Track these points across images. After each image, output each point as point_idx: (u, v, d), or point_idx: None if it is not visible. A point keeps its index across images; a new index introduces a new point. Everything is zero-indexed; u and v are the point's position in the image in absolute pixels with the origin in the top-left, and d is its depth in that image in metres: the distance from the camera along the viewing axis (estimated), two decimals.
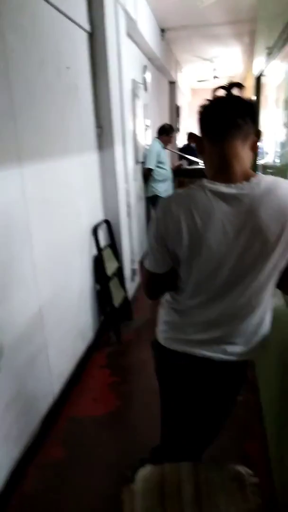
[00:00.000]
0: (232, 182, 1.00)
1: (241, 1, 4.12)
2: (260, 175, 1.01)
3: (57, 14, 2.08)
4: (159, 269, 1.12)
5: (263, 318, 1.13)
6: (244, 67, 8.06)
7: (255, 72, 3.63)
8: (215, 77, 8.07)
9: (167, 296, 1.24)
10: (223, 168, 1.02)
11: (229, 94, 1.04)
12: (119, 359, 2.73)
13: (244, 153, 1.03)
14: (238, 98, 1.03)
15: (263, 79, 3.45)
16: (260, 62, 3.26)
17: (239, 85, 1.05)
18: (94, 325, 2.84)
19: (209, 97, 1.07)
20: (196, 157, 6.86)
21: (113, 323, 2.95)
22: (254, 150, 1.06)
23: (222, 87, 1.06)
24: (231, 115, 1.00)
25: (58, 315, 2.17)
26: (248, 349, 1.15)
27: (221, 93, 1.05)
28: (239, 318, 1.10)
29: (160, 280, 1.15)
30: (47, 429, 2.01)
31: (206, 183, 1.02)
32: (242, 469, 1.19)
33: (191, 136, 7.63)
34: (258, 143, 1.06)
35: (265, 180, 1.00)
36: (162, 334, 1.24)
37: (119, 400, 2.28)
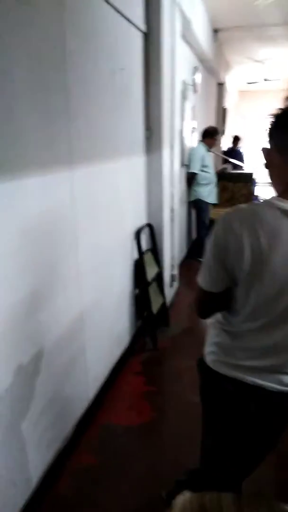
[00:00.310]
0: None
1: None
2: None
3: (115, 14, 2.05)
4: (214, 288, 1.04)
5: None
6: None
7: None
8: (265, 79, 7.82)
9: (218, 316, 1.16)
10: None
11: None
12: (155, 366, 2.67)
13: None
14: None
15: None
16: None
17: None
18: (131, 329, 2.80)
19: (278, 105, 0.98)
20: (241, 161, 6.69)
21: (150, 329, 2.90)
22: None
23: None
24: None
25: (98, 318, 2.15)
26: None
27: None
28: None
29: (214, 299, 1.08)
30: (81, 435, 1.98)
31: (275, 200, 0.93)
32: None
33: (236, 139, 7.46)
34: None
35: None
36: (210, 356, 1.16)
37: (154, 411, 2.22)
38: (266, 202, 0.95)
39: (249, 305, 1.00)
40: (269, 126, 0.99)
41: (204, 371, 1.18)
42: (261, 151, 1.02)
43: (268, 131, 0.99)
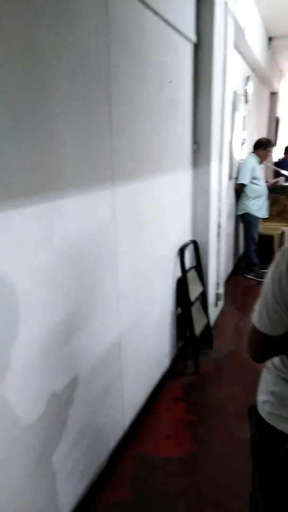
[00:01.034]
0: None
1: None
2: None
3: (164, 25, 1.97)
4: (273, 331, 0.90)
5: None
6: None
7: None
8: None
9: (276, 360, 1.01)
10: None
11: None
12: (196, 393, 2.51)
13: None
14: None
15: None
16: None
17: None
18: (172, 351, 2.67)
19: None
20: None
21: (192, 351, 2.75)
22: None
23: None
24: None
25: (137, 341, 2.05)
26: None
27: None
28: None
29: (271, 343, 0.94)
30: (115, 465, 1.88)
31: None
32: None
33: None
34: None
35: None
36: (265, 406, 1.01)
37: (195, 444, 2.07)
38: None
39: None
40: None
41: (257, 422, 1.03)
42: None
43: None
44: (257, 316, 0.93)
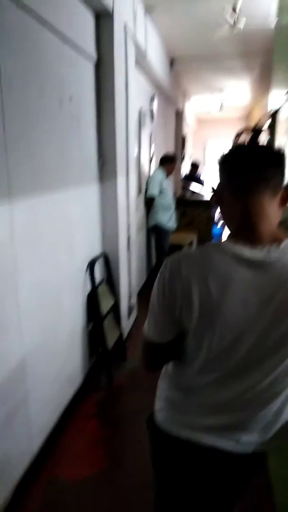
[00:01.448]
0: (258, 244, 0.84)
1: (255, 34, 4.09)
2: None
3: (62, 43, 1.97)
4: (162, 338, 0.94)
5: (287, 401, 0.94)
6: (252, 99, 8.10)
7: (270, 107, 3.54)
8: (221, 107, 8.10)
9: (168, 367, 1.04)
10: (246, 227, 0.86)
11: (254, 141, 0.89)
12: (110, 407, 2.50)
13: (272, 210, 0.87)
14: (267, 146, 0.88)
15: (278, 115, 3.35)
16: (277, 97, 3.17)
17: (258, 131, 0.90)
18: (84, 368, 2.62)
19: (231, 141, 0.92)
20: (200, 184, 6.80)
21: (105, 365, 2.74)
22: (284, 206, 0.89)
23: (247, 132, 0.91)
24: (258, 165, 0.85)
25: (44, 362, 1.97)
26: (267, 439, 0.95)
27: (245, 138, 0.90)
28: (258, 403, 0.91)
29: (161, 350, 0.97)
30: (22, 498, 1.76)
31: (226, 244, 0.85)
32: None
33: (195, 165, 7.60)
34: None
35: None
36: (161, 413, 1.04)
37: (108, 460, 2.04)
38: (217, 246, 0.87)
39: (201, 357, 0.90)
40: (220, 165, 0.92)
41: (154, 431, 1.06)
42: (211, 189, 0.97)
43: (219, 170, 0.93)
44: (147, 325, 0.96)
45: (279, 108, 3.25)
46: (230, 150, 0.91)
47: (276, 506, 1.67)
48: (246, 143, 0.91)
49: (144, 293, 4.37)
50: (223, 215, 0.96)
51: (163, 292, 0.88)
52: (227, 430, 0.94)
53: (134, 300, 3.47)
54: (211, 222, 5.85)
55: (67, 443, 2.14)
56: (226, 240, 0.88)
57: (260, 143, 0.90)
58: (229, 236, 0.90)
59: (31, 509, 1.74)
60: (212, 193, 0.97)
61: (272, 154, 0.87)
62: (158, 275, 0.91)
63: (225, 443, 0.94)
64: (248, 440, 0.94)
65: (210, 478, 1.00)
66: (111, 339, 2.77)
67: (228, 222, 0.94)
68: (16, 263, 1.62)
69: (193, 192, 6.29)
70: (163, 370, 1.08)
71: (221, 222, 6.54)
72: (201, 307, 0.84)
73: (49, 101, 1.86)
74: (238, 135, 0.93)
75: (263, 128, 0.92)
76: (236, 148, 0.91)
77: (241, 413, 0.93)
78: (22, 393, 1.75)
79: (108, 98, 2.56)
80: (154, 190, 4.36)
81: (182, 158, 7.62)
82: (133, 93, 3.04)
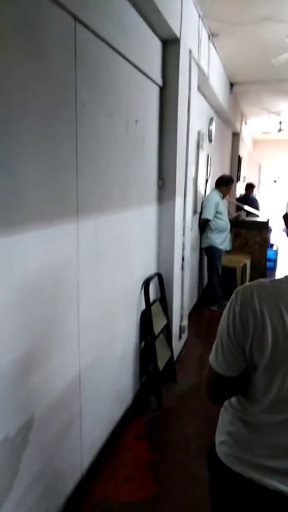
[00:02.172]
0: None
1: None
2: None
3: (131, 68, 2.06)
4: (229, 372, 0.90)
5: None
6: None
7: None
8: (280, 130, 7.95)
9: (233, 399, 1.00)
10: None
11: None
12: (159, 430, 2.45)
13: None
14: None
15: None
16: None
17: None
18: (134, 386, 2.61)
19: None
20: (256, 208, 6.66)
21: (155, 386, 2.70)
22: None
23: None
24: None
25: (98, 378, 1.99)
26: None
27: None
28: None
29: (228, 383, 0.93)
30: None
31: None
32: None
33: (250, 186, 7.47)
34: None
35: None
36: (223, 447, 0.99)
37: (157, 485, 1.99)
38: None
39: (271, 394, 0.85)
40: None
41: (214, 463, 1.02)
42: (283, 218, 0.93)
43: None
44: (213, 356, 0.93)
45: None
46: None
47: None
48: None
49: (194, 314, 4.31)
50: None
51: (233, 323, 0.85)
52: None
53: (185, 321, 3.42)
54: (266, 244, 5.67)
55: (115, 463, 2.12)
56: None
57: None
58: None
59: None
60: (285, 223, 0.93)
61: None
62: (228, 304, 0.88)
63: None
64: None
65: None
66: (162, 360, 2.74)
67: None
68: (79, 280, 1.68)
69: (248, 213, 6.16)
70: (226, 402, 1.04)
71: (277, 241, 6.33)
72: (275, 342, 0.80)
73: (116, 124, 1.94)
74: None
75: None
76: None
77: None
78: (77, 408, 1.77)
79: (171, 121, 2.61)
80: (209, 213, 4.33)
81: (238, 179, 7.55)
82: (194, 116, 3.09)
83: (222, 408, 1.06)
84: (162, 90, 2.57)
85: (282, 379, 0.82)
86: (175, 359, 3.07)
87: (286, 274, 0.86)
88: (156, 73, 2.43)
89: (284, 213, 0.94)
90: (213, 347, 0.94)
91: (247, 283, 0.89)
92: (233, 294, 0.88)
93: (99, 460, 2.06)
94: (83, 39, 1.55)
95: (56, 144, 1.43)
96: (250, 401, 0.92)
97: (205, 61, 3.31)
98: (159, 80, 2.49)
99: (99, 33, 1.64)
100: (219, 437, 1.03)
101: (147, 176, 2.47)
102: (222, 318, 0.90)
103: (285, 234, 1.10)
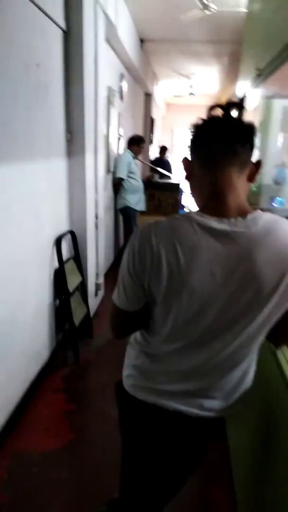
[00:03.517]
0: (225, 216, 0.85)
1: (225, 21, 4.12)
2: (258, 211, 0.87)
3: (31, 6, 1.90)
4: (131, 307, 0.95)
5: (247, 371, 0.99)
6: (220, 87, 8.17)
7: (238, 94, 3.59)
8: (191, 93, 8.12)
9: (137, 335, 1.06)
10: (214, 199, 0.88)
11: (227, 114, 0.90)
12: (76, 382, 2.51)
13: (240, 183, 0.88)
14: (238, 120, 0.88)
15: (245, 102, 3.40)
16: (243, 85, 3.22)
17: (240, 106, 0.90)
18: (51, 344, 2.61)
19: (201, 116, 0.92)
20: (168, 171, 6.84)
21: (71, 341, 2.74)
22: (252, 181, 0.91)
23: (220, 106, 0.90)
24: (228, 139, 0.85)
25: (9, 336, 1.94)
26: (228, 405, 1.00)
27: (218, 112, 0.90)
28: (221, 371, 0.95)
29: (130, 318, 0.98)
30: None
31: (194, 215, 0.86)
32: None
33: (163, 149, 7.61)
34: (258, 174, 0.92)
35: (263, 218, 0.85)
36: (129, 380, 1.06)
37: (74, 433, 2.06)
38: (186, 216, 0.87)
39: (167, 325, 0.92)
40: (190, 137, 0.93)
41: (122, 397, 1.08)
42: (182, 162, 0.96)
43: (189, 142, 0.93)
44: (116, 294, 0.97)
45: (244, 97, 3.32)
46: (201, 122, 0.90)
47: (233, 471, 1.76)
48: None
49: (111, 274, 4.38)
50: (193, 190, 0.96)
51: (133, 261, 0.88)
52: (191, 396, 0.98)
53: (101, 279, 3.47)
54: (178, 205, 5.91)
55: (33, 417, 2.14)
56: (195, 212, 0.89)
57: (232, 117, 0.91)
58: (198, 210, 0.91)
59: None
60: (183, 167, 0.97)
61: (242, 128, 0.87)
62: (128, 244, 0.91)
63: (190, 408, 0.98)
64: (211, 406, 0.99)
65: (174, 440, 1.04)
66: (78, 316, 2.77)
67: (197, 196, 0.94)
68: None
69: (161, 176, 6.30)
70: (132, 338, 1.10)
71: (188, 203, 6.63)
72: (170, 276, 0.85)
73: (15, 66, 1.79)
74: (211, 108, 0.92)
75: (235, 101, 0.93)
76: (208, 120, 0.90)
77: (204, 381, 0.97)
78: None
79: (77, 70, 2.50)
80: (121, 172, 4.34)
81: (150, 142, 7.61)
82: (103, 68, 2.99)
83: (128, 345, 1.12)
84: (67, 36, 2.42)
85: (176, 310, 0.88)
86: (91, 315, 3.12)
87: (183, 214, 0.91)
88: (58, 15, 2.27)
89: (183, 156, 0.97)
90: (116, 286, 0.98)
91: (145, 224, 0.92)
92: (132, 234, 0.91)
93: (15, 415, 2.05)
94: None
95: None
96: (151, 334, 0.99)
97: (112, 10, 3.18)
98: (63, 24, 2.34)
99: None
100: (125, 371, 1.09)
101: (53, 127, 2.36)
102: (123, 257, 0.93)
103: (184, 179, 1.14)
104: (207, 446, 1.12)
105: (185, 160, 0.95)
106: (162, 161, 7.31)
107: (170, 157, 8.61)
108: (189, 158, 0.93)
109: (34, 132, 2.06)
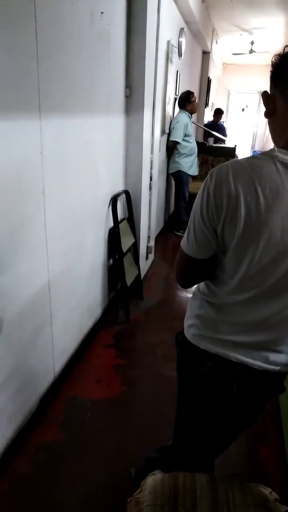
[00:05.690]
0: None
1: None
2: None
3: None
4: (201, 254, 0.91)
5: None
6: (285, 42, 7.53)
7: None
8: (251, 51, 7.57)
9: (201, 286, 1.04)
10: None
11: None
12: (126, 340, 2.58)
13: None
14: None
15: None
16: None
17: None
18: (103, 301, 2.67)
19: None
20: (223, 135, 6.54)
21: (123, 301, 2.79)
22: None
23: None
24: None
25: (67, 289, 2.00)
26: None
27: None
28: None
29: (199, 267, 0.95)
30: (46, 409, 1.87)
31: (278, 152, 0.80)
32: (267, 492, 1.03)
33: (219, 112, 7.25)
34: None
35: None
36: (191, 329, 1.04)
37: (124, 385, 2.14)
38: (267, 154, 0.81)
39: (238, 274, 0.87)
40: (273, 68, 0.84)
41: (183, 346, 1.07)
42: (261, 96, 0.88)
43: (272, 74, 0.85)
44: (185, 240, 0.94)
45: None
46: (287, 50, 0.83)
47: (284, 430, 1.75)
48: None
49: (161, 239, 4.36)
50: (274, 128, 0.89)
51: (207, 202, 0.83)
52: (257, 349, 0.94)
53: (152, 242, 3.46)
54: None
55: (86, 368, 2.24)
56: (278, 149, 0.82)
57: None
58: (279, 148, 0.83)
59: (53, 420, 1.85)
60: (263, 103, 0.89)
61: None
62: (202, 185, 0.86)
63: (254, 361, 0.95)
64: (277, 360, 0.95)
65: (235, 392, 1.02)
66: (129, 277, 2.80)
67: (277, 134, 0.87)
68: (44, 184, 1.60)
69: (216, 140, 6.04)
70: (195, 288, 1.08)
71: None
72: (247, 219, 0.79)
73: (80, 14, 1.73)
74: None
75: None
76: None
77: (272, 334, 0.92)
78: (47, 313, 1.79)
79: (140, 20, 2.38)
80: (178, 135, 4.18)
81: (206, 105, 7.28)
82: (164, 20, 2.83)
83: (191, 296, 1.10)
84: None
85: (251, 256, 0.83)
86: (142, 277, 3.15)
87: (263, 152, 0.84)
88: None
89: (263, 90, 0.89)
90: (185, 232, 0.94)
91: (223, 163, 0.87)
92: (208, 175, 0.86)
93: (70, 364, 2.16)
94: None
95: (13, 27, 1.25)
96: (218, 285, 0.95)
97: None
98: None
99: None
100: (187, 322, 1.07)
101: (114, 81, 2.29)
102: (195, 201, 0.89)
103: (264, 116, 1.06)
104: (266, 400, 1.10)
105: (265, 94, 0.87)
106: (217, 125, 6.99)
107: (225, 122, 8.22)
108: (270, 92, 0.86)
109: (95, 83, 2.01)
